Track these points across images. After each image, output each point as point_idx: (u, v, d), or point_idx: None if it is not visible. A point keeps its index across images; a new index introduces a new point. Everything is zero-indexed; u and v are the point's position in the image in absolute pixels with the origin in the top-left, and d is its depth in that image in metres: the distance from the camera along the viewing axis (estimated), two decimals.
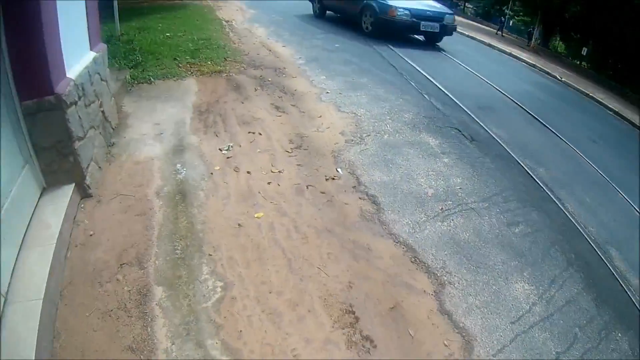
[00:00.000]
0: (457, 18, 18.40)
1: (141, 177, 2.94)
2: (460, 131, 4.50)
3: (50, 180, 2.43)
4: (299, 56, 6.08)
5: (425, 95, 5.31)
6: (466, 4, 32.24)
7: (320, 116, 4.14)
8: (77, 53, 2.85)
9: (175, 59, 5.06)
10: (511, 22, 22.51)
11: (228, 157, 3.26)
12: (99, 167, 2.91)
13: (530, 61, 10.57)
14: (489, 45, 11.71)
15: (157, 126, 3.60)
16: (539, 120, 5.69)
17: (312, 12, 9.95)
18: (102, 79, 3.24)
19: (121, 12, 9.27)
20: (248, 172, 3.13)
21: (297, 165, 3.33)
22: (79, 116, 2.55)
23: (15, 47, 2.09)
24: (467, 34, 14.32)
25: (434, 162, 3.76)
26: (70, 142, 2.39)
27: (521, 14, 22.98)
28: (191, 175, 3.02)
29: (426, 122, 4.53)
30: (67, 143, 2.38)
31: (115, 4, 6.14)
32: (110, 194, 2.71)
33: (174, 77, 4.60)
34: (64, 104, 2.30)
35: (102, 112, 3.15)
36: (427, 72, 6.28)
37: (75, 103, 2.50)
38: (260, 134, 3.65)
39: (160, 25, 7.09)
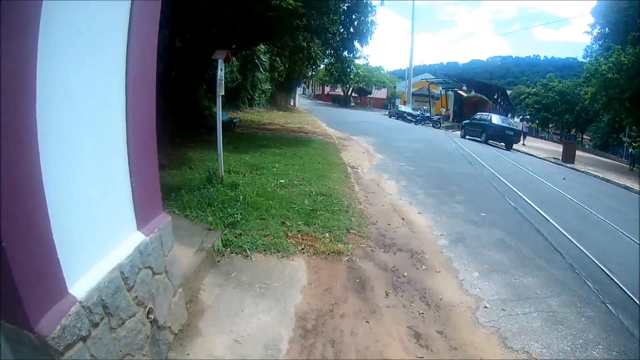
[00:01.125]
0: (577, 153, 16.60)
1: None
2: None
3: None
4: (440, 231, 4.88)
5: (610, 307, 3.62)
6: (583, 135, 29.99)
7: None
8: (102, 243, 1.77)
9: (284, 222, 4.28)
10: (630, 149, 20.58)
11: None
12: None
13: None
14: (625, 187, 11.29)
15: (238, 346, 2.49)
16: None
17: (443, 155, 9.33)
18: (154, 273, 2.18)
19: (238, 139, 9.10)
20: None
21: None
22: (92, 354, 1.57)
23: None
24: (600, 175, 12.49)
25: None
26: None
27: (638, 139, 20.80)
28: None
29: None
30: None
31: (219, 135, 5.08)
32: None
33: (278, 251, 3.70)
34: (52, 351, 1.37)
35: (153, 321, 2.12)
36: (596, 255, 4.64)
37: (85, 338, 1.54)
38: None
39: (277, 165, 6.66)
